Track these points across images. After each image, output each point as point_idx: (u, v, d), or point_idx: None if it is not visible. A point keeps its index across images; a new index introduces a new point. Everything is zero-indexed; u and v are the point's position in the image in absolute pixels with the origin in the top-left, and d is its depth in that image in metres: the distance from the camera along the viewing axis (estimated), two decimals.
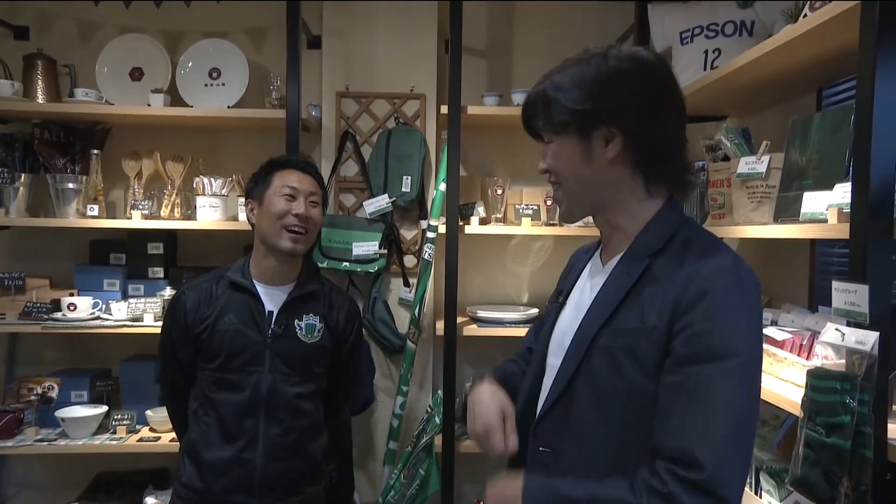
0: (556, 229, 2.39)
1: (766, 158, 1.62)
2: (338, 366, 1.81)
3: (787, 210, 1.49)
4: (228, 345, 1.65)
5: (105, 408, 2.37)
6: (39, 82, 2.42)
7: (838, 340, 1.02)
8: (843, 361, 1.05)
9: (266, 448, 1.64)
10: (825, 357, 1.27)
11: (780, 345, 1.47)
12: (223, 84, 2.42)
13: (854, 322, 1.02)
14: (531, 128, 1.06)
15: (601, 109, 0.95)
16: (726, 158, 1.83)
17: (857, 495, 0.96)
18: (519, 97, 2.34)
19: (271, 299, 1.70)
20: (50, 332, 2.29)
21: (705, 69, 2.01)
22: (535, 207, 2.39)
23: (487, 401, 1.09)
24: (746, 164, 1.67)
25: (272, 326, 1.68)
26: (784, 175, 1.55)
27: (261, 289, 1.70)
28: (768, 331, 1.56)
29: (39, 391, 2.40)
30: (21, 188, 2.35)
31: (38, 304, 2.33)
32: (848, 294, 1.02)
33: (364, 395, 2.35)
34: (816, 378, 1.04)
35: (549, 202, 2.40)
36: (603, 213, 1.04)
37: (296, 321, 1.70)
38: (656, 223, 0.99)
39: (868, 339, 0.96)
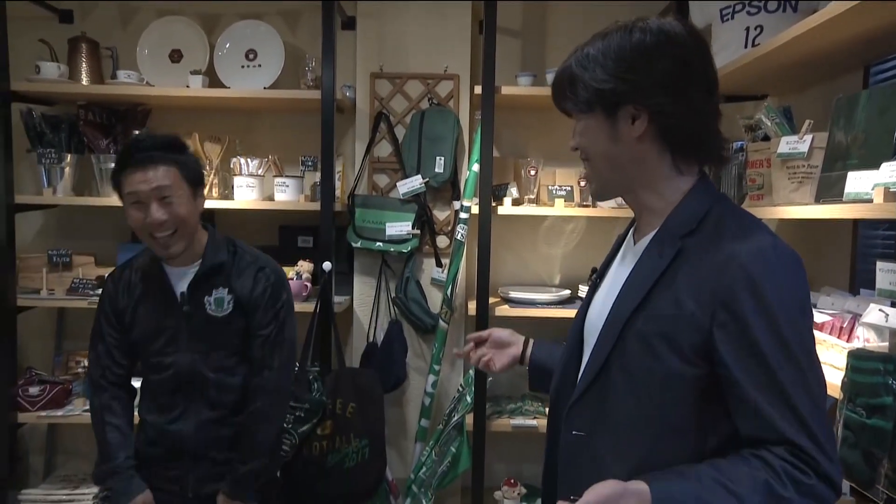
0: (589, 210, 2.38)
1: (808, 138, 1.58)
2: (251, 327, 1.69)
3: (830, 190, 1.45)
4: (145, 331, 1.67)
5: None
6: (83, 65, 2.49)
7: (882, 321, 1.00)
8: (886, 344, 1.03)
9: (195, 421, 1.66)
10: (866, 339, 1.24)
11: (819, 327, 1.45)
12: (259, 65, 2.45)
13: None
14: (560, 106, 1.04)
15: (625, 88, 0.93)
16: (766, 138, 1.79)
17: None
18: (553, 77, 2.31)
19: (181, 280, 1.67)
20: (95, 307, 2.36)
21: (746, 47, 1.95)
22: (569, 188, 2.38)
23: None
24: (788, 144, 1.63)
25: (184, 307, 1.65)
26: (827, 155, 1.51)
27: (170, 271, 1.67)
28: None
29: (86, 364, 2.49)
30: (67, 168, 2.43)
31: (84, 281, 2.41)
32: (892, 275, 1.00)
33: (396, 372, 2.39)
34: (858, 359, 1.02)
35: (582, 183, 2.38)
36: (632, 192, 1.01)
37: (205, 297, 1.65)
38: (688, 202, 0.97)
39: None
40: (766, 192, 1.78)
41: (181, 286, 1.66)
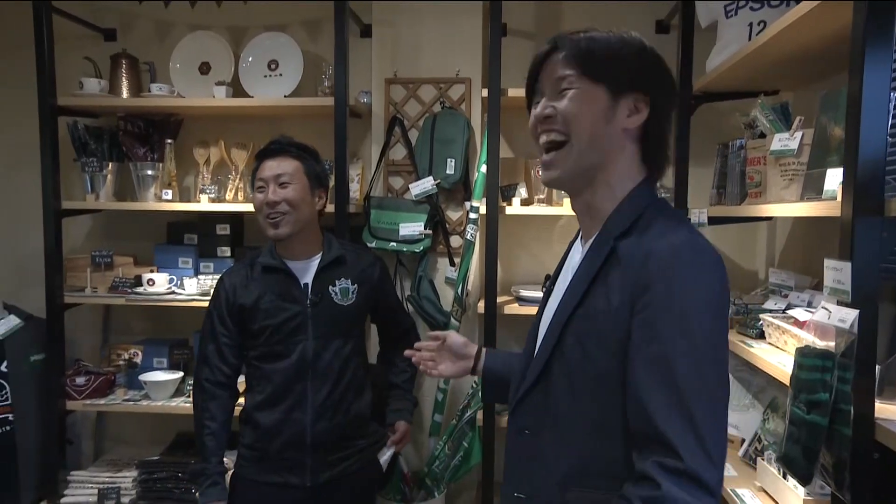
0: None
1: (798, 135, 1.57)
2: (386, 311, 2.04)
3: (812, 188, 1.44)
4: (272, 320, 1.80)
5: (181, 374, 2.62)
6: (124, 79, 2.68)
7: (825, 319, 1.01)
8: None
9: (314, 408, 1.79)
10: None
11: (801, 325, 1.44)
12: (280, 74, 2.58)
13: (842, 301, 1.01)
14: (547, 64, 1.02)
15: (645, 76, 0.98)
16: (764, 136, 1.78)
17: (837, 472, 0.96)
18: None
19: (303, 272, 1.84)
20: (133, 304, 2.55)
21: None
22: None
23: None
24: (780, 141, 1.62)
25: (309, 296, 1.82)
26: (812, 151, 1.50)
27: (292, 265, 1.84)
28: (795, 312, 1.52)
29: (126, 357, 2.69)
30: (109, 175, 2.63)
31: (124, 280, 2.60)
32: (835, 272, 1.00)
33: None
34: (802, 356, 1.03)
35: None
36: (590, 186, 1.01)
37: (330, 287, 1.84)
38: (626, 204, 1.00)
39: (848, 318, 0.94)
40: (763, 190, 1.76)
41: (304, 278, 1.83)
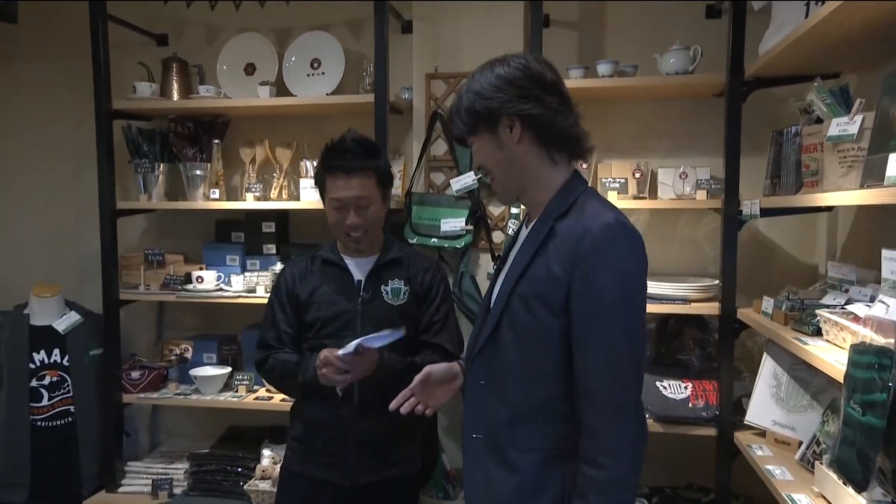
0: (645, 202, 2.31)
1: (858, 118, 1.47)
2: (429, 321, 1.88)
3: (873, 174, 1.34)
4: (324, 312, 1.83)
5: (229, 369, 2.68)
6: (174, 83, 2.76)
7: (883, 313, 0.93)
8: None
9: (359, 405, 1.79)
10: None
11: (861, 321, 1.34)
12: (323, 73, 2.61)
13: None
14: (455, 138, 1.32)
15: (496, 105, 1.20)
16: (820, 121, 1.68)
17: None
18: (604, 68, 2.27)
19: (359, 269, 1.86)
20: (182, 300, 2.62)
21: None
22: (623, 181, 2.32)
23: None
24: (837, 126, 1.52)
25: (361, 293, 1.83)
26: (873, 136, 1.40)
27: (349, 261, 1.86)
28: (854, 307, 1.43)
29: (178, 352, 2.77)
30: (160, 176, 2.71)
31: (175, 277, 2.67)
32: (893, 263, 0.92)
33: None
34: (857, 353, 0.96)
35: (637, 175, 2.32)
36: (525, 190, 1.28)
37: (382, 287, 1.84)
38: (562, 193, 1.25)
39: None
40: (819, 179, 1.66)
41: (359, 275, 1.85)
